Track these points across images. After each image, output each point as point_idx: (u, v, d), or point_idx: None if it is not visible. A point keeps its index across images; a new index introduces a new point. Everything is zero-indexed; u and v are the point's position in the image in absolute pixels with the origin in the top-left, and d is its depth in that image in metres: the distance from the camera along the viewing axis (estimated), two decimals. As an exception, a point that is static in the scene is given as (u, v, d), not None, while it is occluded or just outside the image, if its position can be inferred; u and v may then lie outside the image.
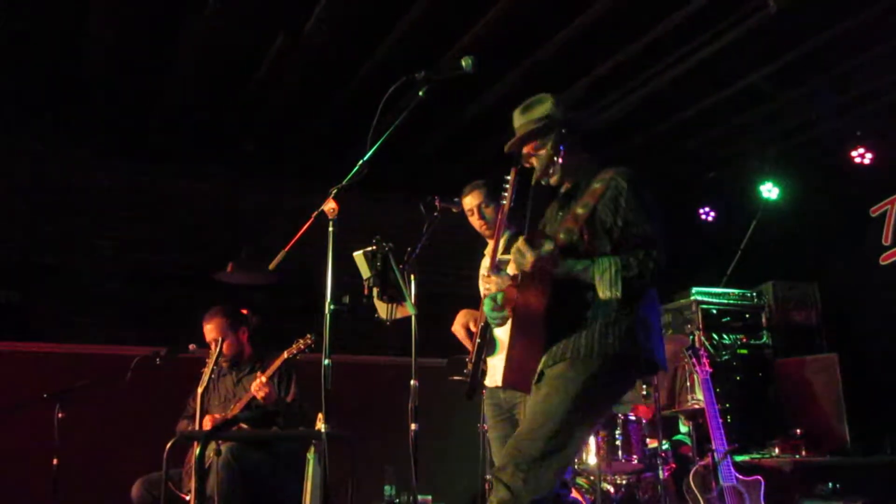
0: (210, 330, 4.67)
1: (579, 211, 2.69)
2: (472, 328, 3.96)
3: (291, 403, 4.48)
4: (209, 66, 5.64)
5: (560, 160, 2.87)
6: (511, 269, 3.92)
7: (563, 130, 2.93)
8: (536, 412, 2.69)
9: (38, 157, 6.71)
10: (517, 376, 2.83)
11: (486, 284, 3.78)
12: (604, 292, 2.62)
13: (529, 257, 2.63)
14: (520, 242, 2.69)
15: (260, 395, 4.31)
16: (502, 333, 3.91)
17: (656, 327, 2.83)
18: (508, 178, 3.80)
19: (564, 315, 2.77)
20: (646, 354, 2.75)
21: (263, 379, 4.30)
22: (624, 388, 2.90)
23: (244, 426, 4.37)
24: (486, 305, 2.99)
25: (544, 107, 3.04)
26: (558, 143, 2.89)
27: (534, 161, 3.04)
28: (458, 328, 4.02)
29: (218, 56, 5.50)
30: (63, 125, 6.63)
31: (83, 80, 5.91)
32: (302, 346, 4.20)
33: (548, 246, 2.64)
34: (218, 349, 4.41)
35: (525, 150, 3.05)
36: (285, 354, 4.30)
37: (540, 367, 2.82)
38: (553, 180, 2.99)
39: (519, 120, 3.09)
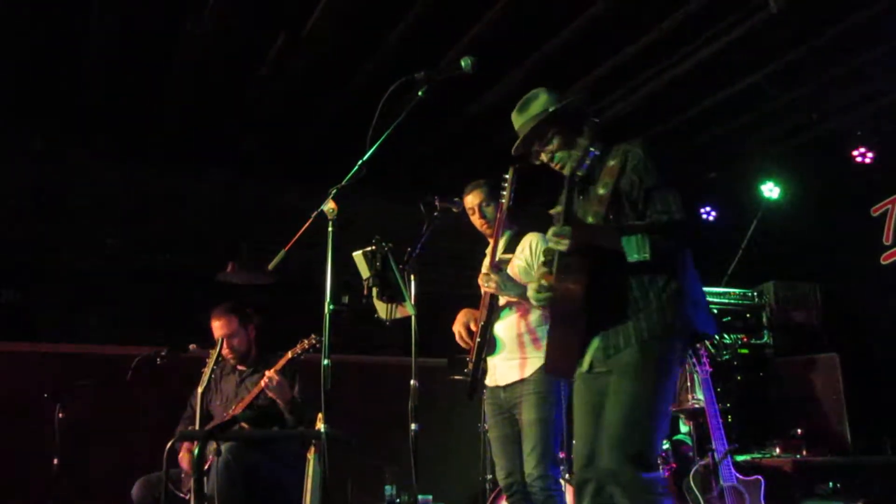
0: (220, 326, 4.64)
1: (601, 192, 2.75)
2: (473, 327, 3.96)
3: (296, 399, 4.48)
4: (209, 66, 5.64)
5: (575, 154, 2.91)
6: (511, 269, 3.93)
7: (565, 119, 2.98)
8: (624, 403, 2.71)
9: (38, 156, 6.71)
10: (561, 364, 2.90)
11: (486, 282, 3.79)
12: (631, 255, 2.65)
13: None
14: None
15: (271, 392, 4.30)
16: (502, 332, 3.92)
17: (700, 299, 2.88)
18: (507, 176, 3.81)
19: (608, 298, 2.80)
20: (696, 326, 2.80)
21: (273, 374, 4.28)
22: (682, 358, 2.93)
23: (244, 426, 4.37)
24: (530, 291, 2.98)
25: (539, 102, 3.07)
26: (567, 133, 2.95)
27: (544, 157, 3.07)
28: (458, 327, 4.03)
29: (218, 55, 5.49)
30: (63, 124, 6.63)
31: (83, 80, 5.90)
32: (306, 346, 4.19)
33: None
34: (219, 349, 4.41)
35: (533, 148, 3.09)
36: (290, 354, 4.29)
37: (593, 353, 2.87)
38: (565, 171, 3.01)
39: (518, 120, 3.12)
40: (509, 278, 3.80)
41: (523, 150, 3.11)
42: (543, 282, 2.83)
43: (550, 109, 3.00)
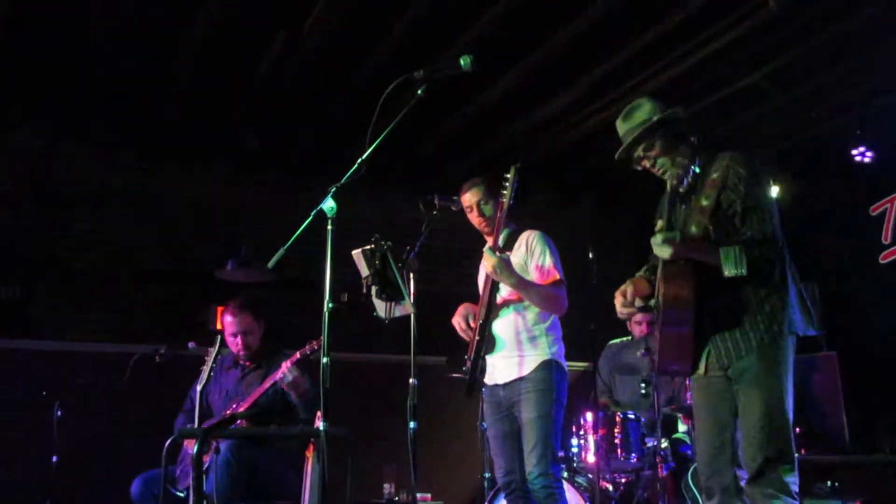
0: (236, 322, 4.63)
1: (704, 203, 2.82)
2: (472, 324, 3.97)
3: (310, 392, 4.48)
4: (210, 64, 5.64)
5: (682, 166, 2.95)
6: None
7: (668, 128, 3.10)
8: (757, 411, 2.83)
9: (38, 153, 6.71)
10: (675, 366, 3.05)
11: (486, 261, 3.80)
12: (729, 271, 2.76)
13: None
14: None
15: (287, 386, 4.31)
16: (500, 331, 3.92)
17: (798, 302, 2.98)
18: (508, 175, 3.82)
19: (718, 305, 2.92)
20: (797, 328, 2.93)
21: (291, 366, 4.30)
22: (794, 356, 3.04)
23: (244, 424, 4.37)
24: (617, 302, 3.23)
25: (644, 110, 3.17)
26: (669, 141, 3.08)
27: (646, 163, 3.18)
28: (458, 319, 4.04)
29: (218, 54, 5.50)
30: (63, 122, 6.64)
31: (84, 78, 5.91)
32: (315, 347, 4.18)
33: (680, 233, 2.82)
34: (218, 346, 4.40)
35: (635, 154, 3.19)
36: (297, 355, 4.30)
37: (707, 358, 3.00)
38: (667, 177, 3.10)
39: (622, 127, 3.23)
40: (507, 264, 3.80)
41: (626, 155, 3.22)
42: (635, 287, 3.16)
43: (655, 118, 3.11)
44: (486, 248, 3.86)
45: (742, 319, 2.91)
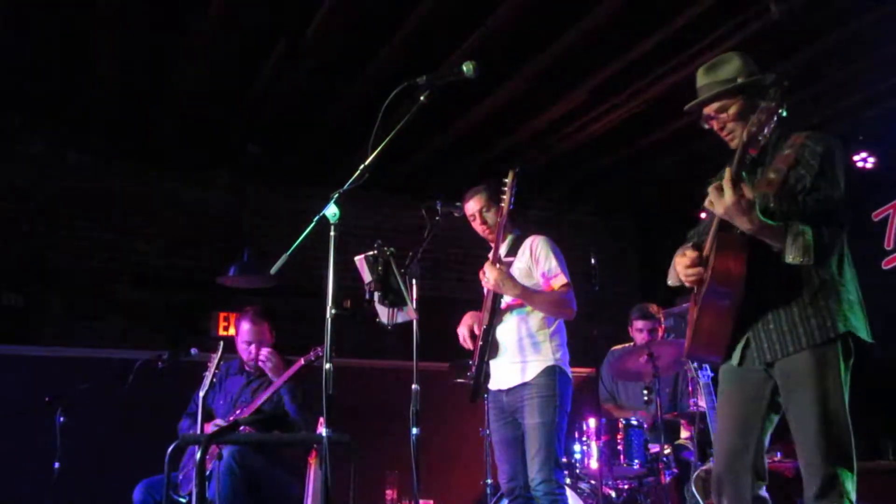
0: (254, 331, 4.65)
1: (772, 176, 2.63)
2: (476, 331, 3.97)
3: (302, 405, 4.50)
4: (212, 71, 5.65)
5: (765, 133, 2.65)
6: (512, 272, 3.93)
7: (751, 93, 2.80)
8: (816, 416, 2.60)
9: (40, 160, 6.72)
10: (706, 348, 2.79)
11: (485, 278, 3.79)
12: (795, 257, 2.51)
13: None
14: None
15: (268, 369, 4.41)
16: (504, 336, 3.92)
17: (856, 300, 2.79)
18: (507, 180, 3.82)
19: (769, 291, 2.68)
20: (853, 328, 2.70)
21: (268, 351, 4.40)
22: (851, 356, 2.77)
23: (248, 430, 4.37)
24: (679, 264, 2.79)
25: (732, 66, 2.89)
26: (769, 116, 2.65)
27: (715, 124, 2.92)
28: (462, 329, 4.04)
29: (220, 60, 5.51)
30: (65, 129, 6.65)
31: (86, 84, 5.92)
32: (320, 353, 4.19)
33: (746, 192, 2.52)
34: (221, 352, 4.41)
35: (706, 111, 2.94)
36: (302, 361, 4.30)
37: (745, 348, 2.74)
38: (734, 144, 2.83)
39: (703, 79, 2.97)
40: (509, 275, 3.80)
41: (697, 109, 2.97)
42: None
43: (739, 80, 2.83)
44: (486, 264, 3.85)
45: (793, 311, 2.65)
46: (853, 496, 2.58)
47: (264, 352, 4.47)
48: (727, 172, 2.54)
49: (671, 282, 2.97)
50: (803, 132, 2.75)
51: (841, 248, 2.71)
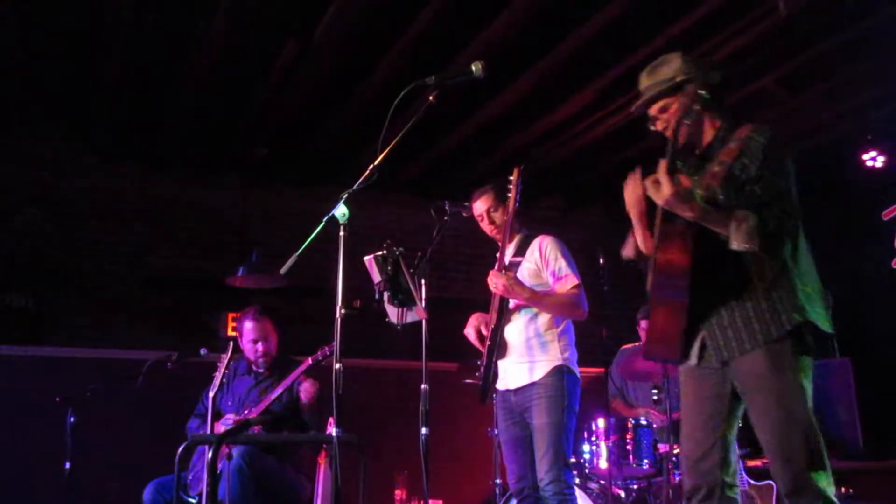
0: (257, 328, 4.67)
1: (716, 168, 2.59)
2: (484, 331, 3.97)
3: (312, 406, 4.51)
4: (220, 72, 5.67)
5: (689, 122, 2.70)
6: (520, 272, 3.93)
7: (693, 91, 2.75)
8: (773, 419, 2.53)
9: (49, 162, 6.76)
10: (661, 347, 2.72)
11: (493, 284, 3.79)
12: (739, 243, 2.46)
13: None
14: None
15: (305, 396, 4.38)
16: (512, 336, 3.92)
17: (814, 292, 2.67)
18: (512, 178, 3.82)
19: (718, 285, 2.63)
20: (813, 320, 2.59)
21: (312, 382, 4.37)
22: (817, 351, 2.65)
23: (257, 430, 4.39)
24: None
25: (672, 66, 2.87)
26: (687, 106, 2.71)
27: (658, 125, 2.90)
28: (469, 330, 4.04)
29: (228, 62, 5.52)
30: (74, 130, 6.68)
31: (94, 86, 5.94)
32: (327, 352, 4.20)
33: (683, 181, 2.51)
34: (230, 352, 4.42)
35: (650, 112, 2.92)
36: (310, 360, 4.31)
37: (701, 347, 2.68)
38: (681, 142, 2.79)
39: (645, 82, 2.95)
40: (517, 281, 3.80)
41: (643, 111, 2.94)
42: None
43: (678, 79, 2.81)
44: (494, 270, 3.85)
45: (746, 307, 2.59)
46: (830, 492, 2.49)
47: (308, 388, 4.45)
48: (661, 164, 2.53)
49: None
50: (750, 125, 2.72)
51: (795, 237, 2.65)
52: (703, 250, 2.56)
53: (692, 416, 2.77)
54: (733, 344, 2.61)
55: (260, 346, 4.66)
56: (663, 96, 2.85)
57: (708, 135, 2.84)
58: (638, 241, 2.97)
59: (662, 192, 2.50)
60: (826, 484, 2.48)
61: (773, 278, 2.58)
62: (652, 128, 2.95)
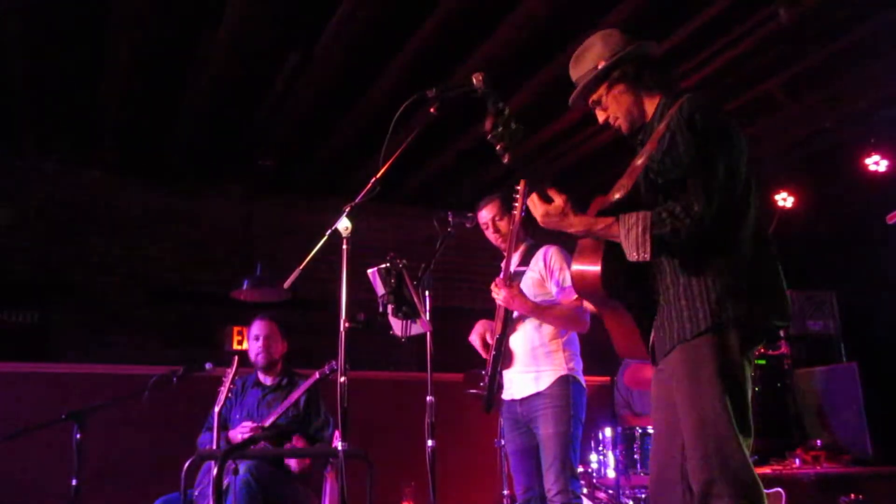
0: (262, 325, 4.67)
1: (638, 162, 2.40)
2: (489, 339, 3.96)
3: (323, 425, 4.51)
4: (224, 86, 5.69)
5: (622, 107, 2.53)
6: (525, 282, 3.93)
7: (618, 73, 2.57)
8: (687, 425, 2.33)
9: (54, 177, 6.77)
10: (629, 350, 2.65)
11: (496, 295, 3.78)
12: (630, 254, 2.28)
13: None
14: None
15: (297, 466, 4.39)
16: (517, 345, 3.91)
17: (758, 283, 2.38)
18: (518, 188, 3.81)
19: (643, 286, 2.50)
20: (753, 318, 2.35)
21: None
22: (749, 352, 2.41)
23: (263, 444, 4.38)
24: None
25: (593, 52, 2.64)
26: (614, 90, 2.53)
27: (600, 117, 2.70)
28: (475, 337, 4.02)
29: (232, 75, 5.54)
30: (79, 145, 6.70)
31: (99, 100, 5.96)
32: (335, 366, 4.18)
33: (556, 202, 2.41)
34: (235, 366, 4.41)
35: (589, 102, 2.73)
36: (317, 375, 4.30)
37: (653, 348, 2.54)
38: (623, 130, 2.65)
39: (573, 75, 2.75)
40: (520, 292, 3.79)
41: (582, 105, 2.74)
42: None
43: (599, 67, 2.59)
44: (497, 281, 3.84)
45: (672, 305, 2.40)
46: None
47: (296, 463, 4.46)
48: (532, 195, 2.49)
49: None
50: (684, 95, 2.45)
51: (727, 228, 2.36)
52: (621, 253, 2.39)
53: (656, 423, 2.61)
54: (664, 343, 2.45)
55: (261, 343, 4.63)
56: (590, 89, 2.66)
57: (649, 111, 2.61)
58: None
59: (537, 214, 2.48)
60: (736, 498, 2.22)
61: (694, 274, 2.37)
62: (600, 122, 2.76)
